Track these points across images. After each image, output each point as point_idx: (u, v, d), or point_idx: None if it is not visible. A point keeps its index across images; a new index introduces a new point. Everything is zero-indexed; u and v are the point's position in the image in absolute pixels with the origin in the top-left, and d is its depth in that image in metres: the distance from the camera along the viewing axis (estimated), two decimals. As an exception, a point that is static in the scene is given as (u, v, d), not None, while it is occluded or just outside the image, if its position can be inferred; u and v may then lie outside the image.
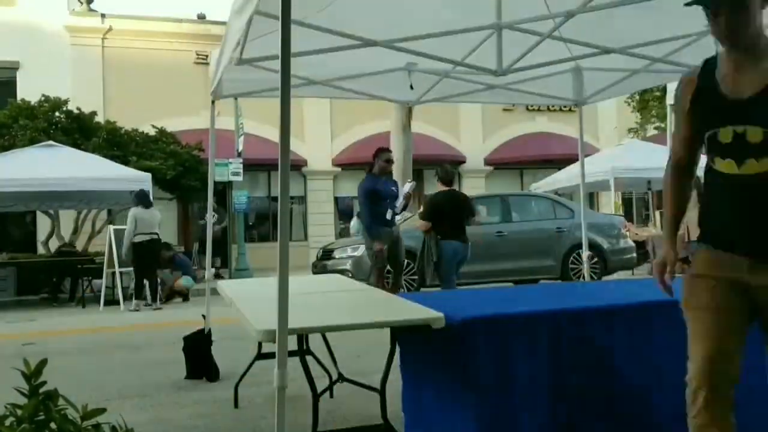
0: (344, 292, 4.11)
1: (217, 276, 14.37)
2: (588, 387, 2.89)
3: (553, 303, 3.29)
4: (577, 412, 2.88)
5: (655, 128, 19.85)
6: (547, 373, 2.84)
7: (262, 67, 4.25)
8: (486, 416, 2.73)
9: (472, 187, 19.03)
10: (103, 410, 1.80)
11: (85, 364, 6.17)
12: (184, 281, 11.64)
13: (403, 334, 3.20)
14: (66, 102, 14.52)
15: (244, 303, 3.47)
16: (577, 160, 6.47)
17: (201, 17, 20.31)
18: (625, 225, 12.20)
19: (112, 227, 10.97)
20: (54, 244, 14.20)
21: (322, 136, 20.27)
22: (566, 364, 2.88)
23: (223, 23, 3.98)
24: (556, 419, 2.80)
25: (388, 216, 6.80)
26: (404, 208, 7.22)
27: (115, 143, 14.30)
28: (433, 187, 13.58)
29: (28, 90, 15.66)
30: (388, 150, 7.15)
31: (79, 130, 14.14)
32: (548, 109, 21.08)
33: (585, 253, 6.23)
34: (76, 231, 14.34)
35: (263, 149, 17.70)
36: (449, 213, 7.01)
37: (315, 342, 4.10)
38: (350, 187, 21.00)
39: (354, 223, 13.10)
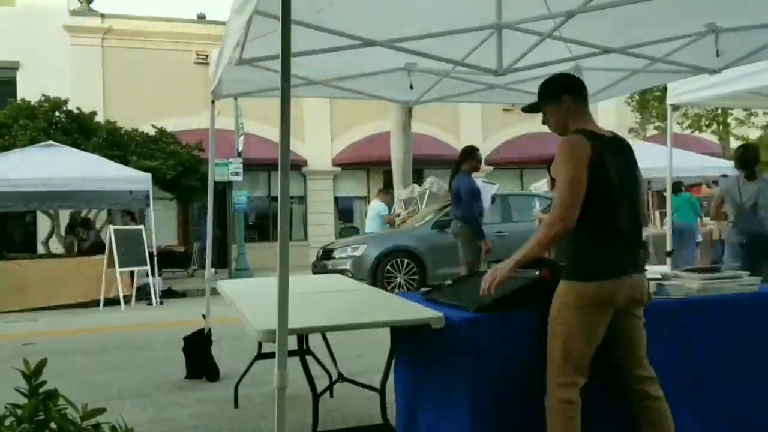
0: (344, 292, 4.11)
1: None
2: (589, 386, 2.89)
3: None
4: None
5: (655, 128, 19.85)
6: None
7: (262, 67, 4.25)
8: (484, 416, 2.72)
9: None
10: (103, 410, 1.80)
11: (85, 364, 6.17)
12: None
13: (401, 333, 3.20)
14: (66, 102, 14.52)
15: (244, 303, 3.47)
16: (577, 160, 6.46)
17: (201, 17, 20.33)
18: None
19: (112, 227, 10.96)
20: (54, 244, 14.20)
21: (322, 136, 20.28)
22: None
23: (223, 23, 3.98)
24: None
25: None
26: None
27: (115, 143, 14.30)
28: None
29: (28, 90, 15.67)
30: (478, 149, 6.98)
31: (79, 130, 14.14)
32: (548, 109, 21.06)
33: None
34: (76, 231, 14.34)
35: (263, 149, 17.71)
36: None
37: (315, 342, 4.11)
38: (350, 187, 21.02)
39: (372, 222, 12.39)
